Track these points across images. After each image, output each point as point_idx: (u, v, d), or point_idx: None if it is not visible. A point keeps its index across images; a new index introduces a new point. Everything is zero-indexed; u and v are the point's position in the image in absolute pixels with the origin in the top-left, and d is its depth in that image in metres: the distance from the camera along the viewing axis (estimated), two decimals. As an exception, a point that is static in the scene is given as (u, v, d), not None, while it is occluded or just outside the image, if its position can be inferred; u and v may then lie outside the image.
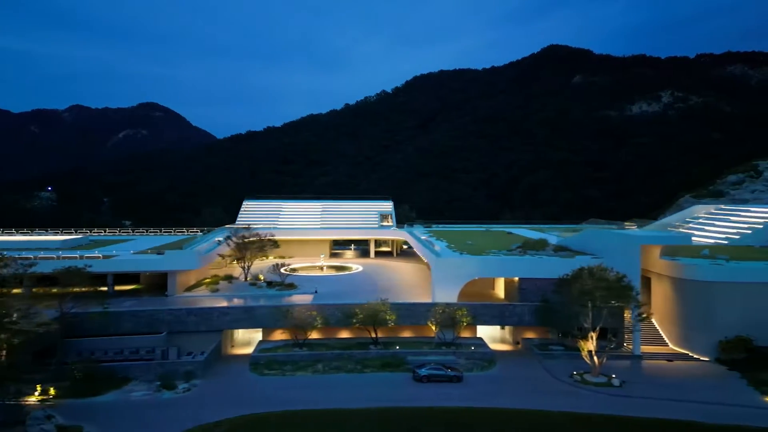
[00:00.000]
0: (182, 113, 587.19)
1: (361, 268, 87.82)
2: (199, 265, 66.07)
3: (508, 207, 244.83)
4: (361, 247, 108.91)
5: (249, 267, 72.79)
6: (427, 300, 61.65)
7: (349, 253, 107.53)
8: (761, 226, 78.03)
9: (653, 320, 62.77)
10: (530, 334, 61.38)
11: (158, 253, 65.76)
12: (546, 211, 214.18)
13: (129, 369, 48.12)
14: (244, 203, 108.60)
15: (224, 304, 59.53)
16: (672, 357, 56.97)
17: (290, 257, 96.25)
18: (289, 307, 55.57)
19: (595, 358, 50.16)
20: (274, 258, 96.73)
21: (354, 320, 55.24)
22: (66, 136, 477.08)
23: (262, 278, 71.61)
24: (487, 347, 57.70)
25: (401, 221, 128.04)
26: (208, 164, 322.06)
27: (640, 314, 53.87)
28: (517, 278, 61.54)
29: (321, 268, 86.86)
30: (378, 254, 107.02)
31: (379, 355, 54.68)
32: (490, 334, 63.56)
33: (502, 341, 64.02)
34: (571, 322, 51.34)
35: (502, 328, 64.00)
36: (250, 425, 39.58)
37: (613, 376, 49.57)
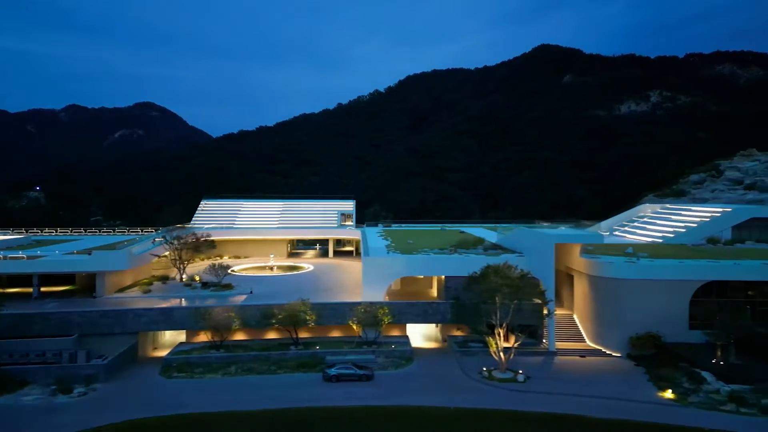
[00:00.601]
0: (180, 113, 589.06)
1: (312, 268, 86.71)
2: (129, 266, 64.83)
3: (495, 206, 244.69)
4: (325, 247, 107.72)
5: (184, 267, 71.61)
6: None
7: (311, 253, 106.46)
8: (696, 225, 77.65)
9: (575, 317, 62.80)
10: (460, 332, 60.85)
11: (87, 254, 64.56)
12: (532, 211, 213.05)
13: (28, 373, 47.01)
14: (201, 203, 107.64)
15: (147, 305, 58.31)
16: (585, 353, 57.04)
17: (246, 257, 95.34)
18: (207, 309, 54.38)
19: (502, 354, 50.21)
20: (229, 258, 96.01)
21: (273, 321, 54.15)
22: (62, 135, 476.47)
23: (198, 279, 70.48)
24: (408, 345, 57.13)
25: (373, 220, 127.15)
26: (199, 164, 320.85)
27: (542, 311, 54.60)
28: (443, 276, 60.96)
29: (271, 268, 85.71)
30: (340, 254, 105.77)
31: (297, 356, 53.76)
32: (426, 333, 63.48)
33: (435, 339, 63.40)
34: (480, 318, 50.86)
35: (437, 326, 63.29)
36: (127, 430, 38.39)
37: (520, 372, 49.69)
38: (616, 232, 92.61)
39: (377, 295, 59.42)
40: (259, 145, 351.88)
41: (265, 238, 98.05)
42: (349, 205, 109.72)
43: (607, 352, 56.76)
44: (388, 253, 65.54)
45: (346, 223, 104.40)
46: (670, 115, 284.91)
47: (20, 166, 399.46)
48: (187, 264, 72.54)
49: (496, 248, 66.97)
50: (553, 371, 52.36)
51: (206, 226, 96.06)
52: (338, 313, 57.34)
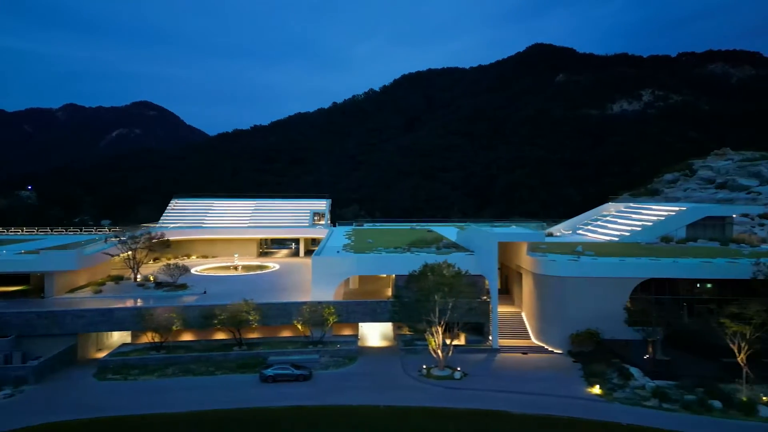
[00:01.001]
0: (178, 112, 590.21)
1: (278, 268, 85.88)
2: (78, 266, 63.80)
3: (487, 205, 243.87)
4: (298, 247, 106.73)
5: (138, 267, 70.82)
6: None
7: (283, 252, 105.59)
8: (651, 224, 77.70)
9: (523, 315, 62.73)
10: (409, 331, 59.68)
11: (36, 254, 63.75)
12: (522, 210, 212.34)
13: (-45, 374, 46.14)
14: (172, 202, 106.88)
15: (92, 306, 57.25)
16: (527, 350, 57.01)
17: (214, 257, 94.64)
18: (148, 310, 53.56)
19: (440, 352, 49.87)
20: (197, 257, 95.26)
21: (216, 322, 53.35)
22: (60, 135, 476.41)
23: (152, 279, 69.66)
24: (354, 345, 56.69)
25: (352, 219, 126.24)
26: (191, 163, 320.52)
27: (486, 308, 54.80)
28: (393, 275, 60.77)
29: (235, 267, 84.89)
30: (312, 253, 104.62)
31: (239, 357, 52.96)
32: (383, 332, 63.42)
33: (389, 338, 62.88)
34: (418, 317, 50.40)
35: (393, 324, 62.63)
36: (39, 434, 37.65)
37: (458, 369, 49.61)
38: (580, 231, 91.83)
39: (326, 294, 58.80)
40: (253, 144, 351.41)
41: (235, 237, 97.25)
42: (322, 204, 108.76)
43: (549, 349, 56.77)
44: (338, 252, 64.71)
45: (319, 222, 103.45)
46: (661, 114, 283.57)
47: (17, 165, 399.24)
48: (143, 264, 71.75)
49: (450, 247, 66.30)
50: (492, 368, 52.33)
51: (171, 225, 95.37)
52: (284, 312, 56.43)
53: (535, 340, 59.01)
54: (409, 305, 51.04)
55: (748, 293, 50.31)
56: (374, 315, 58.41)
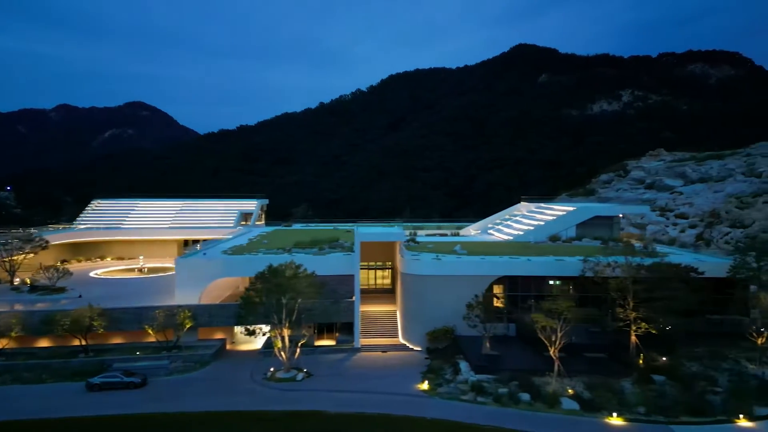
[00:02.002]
0: (172, 112, 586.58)
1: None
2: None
3: (465, 206, 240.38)
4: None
5: (13, 269, 67.75)
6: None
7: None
8: (543, 224, 77.28)
9: (397, 314, 62.24)
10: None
11: None
12: (499, 209, 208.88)
13: None
14: (93, 203, 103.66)
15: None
16: (388, 348, 56.75)
17: (130, 258, 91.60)
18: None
19: (283, 353, 48.79)
20: (112, 259, 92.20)
21: (59, 327, 50.21)
22: (53, 135, 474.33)
23: (28, 282, 66.55)
24: (211, 349, 54.03)
25: (300, 219, 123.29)
26: (174, 163, 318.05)
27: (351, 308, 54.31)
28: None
29: (140, 270, 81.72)
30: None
31: (83, 364, 49.94)
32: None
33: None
34: (255, 318, 49.66)
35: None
36: None
37: (303, 370, 49.11)
38: (490, 230, 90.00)
39: (192, 297, 55.97)
40: (238, 144, 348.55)
41: (156, 238, 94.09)
42: (251, 205, 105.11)
43: (410, 346, 56.61)
44: (204, 254, 61.68)
45: (245, 223, 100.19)
46: (640, 114, 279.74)
47: (10, 166, 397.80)
48: (17, 265, 68.62)
49: (335, 247, 63.59)
50: (343, 368, 51.67)
51: (82, 226, 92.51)
52: (138, 317, 53.17)
53: (401, 339, 58.66)
54: (248, 307, 48.23)
55: (585, 291, 52.64)
56: (238, 318, 55.26)
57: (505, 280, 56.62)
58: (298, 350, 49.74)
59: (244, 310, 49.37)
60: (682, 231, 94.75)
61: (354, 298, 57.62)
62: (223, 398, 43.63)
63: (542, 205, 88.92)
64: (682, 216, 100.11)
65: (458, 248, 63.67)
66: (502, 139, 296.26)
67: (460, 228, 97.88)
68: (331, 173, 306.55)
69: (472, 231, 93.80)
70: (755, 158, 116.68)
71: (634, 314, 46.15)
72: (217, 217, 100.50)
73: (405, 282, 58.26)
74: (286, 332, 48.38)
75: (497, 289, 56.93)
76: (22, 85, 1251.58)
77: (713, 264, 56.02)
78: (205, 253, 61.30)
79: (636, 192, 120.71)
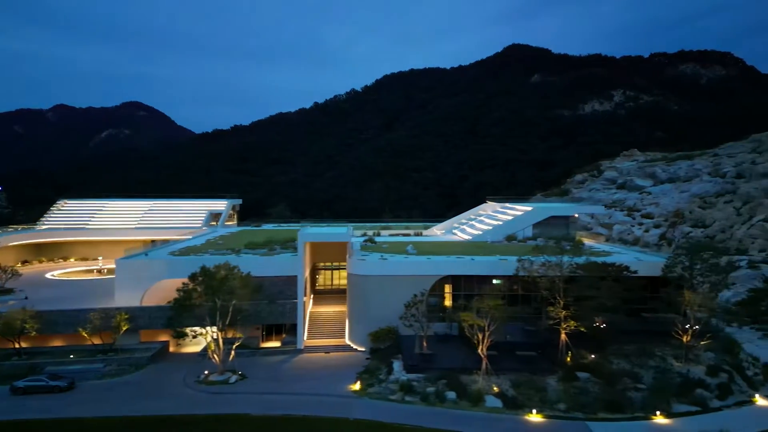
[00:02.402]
0: (169, 113, 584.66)
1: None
2: None
3: (455, 206, 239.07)
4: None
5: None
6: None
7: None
8: (501, 223, 76.91)
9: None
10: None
11: None
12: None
13: None
14: (59, 203, 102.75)
15: None
16: (331, 349, 56.11)
17: (95, 259, 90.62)
18: None
19: (216, 356, 47.74)
20: (75, 260, 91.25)
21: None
22: (49, 135, 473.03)
23: (-28, 283, 65.58)
24: (151, 351, 53.19)
25: (276, 219, 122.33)
26: (167, 163, 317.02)
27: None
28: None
29: (99, 271, 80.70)
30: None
31: (13, 367, 48.78)
32: None
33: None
34: (182, 321, 48.51)
35: None
36: None
37: (239, 372, 48.15)
38: (454, 230, 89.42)
39: (133, 299, 54.91)
40: (231, 144, 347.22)
41: (122, 239, 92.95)
42: (221, 205, 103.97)
43: (354, 347, 56.09)
44: (146, 255, 60.62)
45: (214, 223, 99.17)
46: (631, 114, 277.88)
47: (3, 166, 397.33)
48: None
49: (288, 248, 63.04)
50: (281, 370, 50.80)
51: (44, 227, 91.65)
52: (74, 320, 51.97)
53: (347, 339, 58.07)
54: (180, 309, 47.21)
55: (525, 290, 52.54)
56: (169, 320, 54.36)
57: (448, 280, 56.43)
58: (233, 352, 48.57)
59: (176, 311, 48.21)
60: (647, 231, 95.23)
61: (297, 299, 56.61)
62: (148, 402, 42.51)
63: (507, 205, 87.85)
64: (648, 216, 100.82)
65: (410, 248, 63.16)
66: (494, 139, 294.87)
67: (427, 228, 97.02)
68: (324, 173, 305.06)
69: (437, 231, 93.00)
70: (722, 158, 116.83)
71: (564, 313, 46.29)
72: (185, 217, 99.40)
73: (351, 282, 57.64)
74: (219, 334, 47.37)
75: (447, 289, 56.85)
76: (19, 84, 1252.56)
77: (650, 263, 55.67)
78: (146, 255, 60.21)
79: (608, 192, 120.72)
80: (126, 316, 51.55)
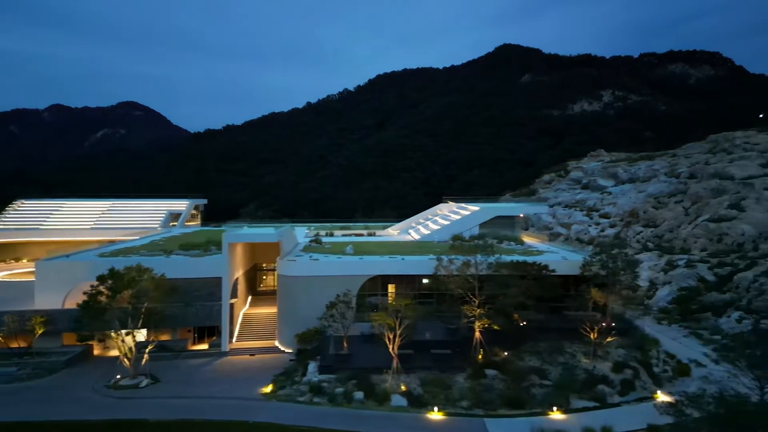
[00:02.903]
0: (166, 113, 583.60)
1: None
2: None
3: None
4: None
5: None
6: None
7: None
8: (448, 223, 75.43)
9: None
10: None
11: None
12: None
13: None
14: (16, 203, 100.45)
15: None
16: (256, 351, 54.65)
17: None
18: None
19: (125, 360, 46.05)
20: (27, 261, 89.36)
21: None
22: (45, 135, 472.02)
23: None
24: (69, 355, 51.01)
25: (246, 219, 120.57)
26: (158, 163, 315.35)
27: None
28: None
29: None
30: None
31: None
32: None
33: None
34: (86, 323, 46.93)
35: None
36: None
37: (151, 376, 46.72)
38: (410, 230, 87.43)
39: (54, 302, 52.53)
40: (222, 143, 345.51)
41: (77, 239, 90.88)
42: (182, 205, 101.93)
43: (282, 348, 54.79)
44: (68, 257, 58.61)
45: (174, 224, 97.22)
46: (619, 114, 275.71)
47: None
48: None
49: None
50: (198, 373, 48.93)
51: (8, 227, 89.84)
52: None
53: (276, 341, 56.53)
54: (87, 311, 45.26)
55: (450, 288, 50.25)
56: (77, 323, 52.13)
57: (379, 280, 55.40)
58: (146, 356, 46.72)
59: (84, 313, 46.17)
60: (602, 230, 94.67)
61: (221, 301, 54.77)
62: (48, 407, 40.62)
63: (462, 205, 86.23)
64: (606, 216, 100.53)
65: (349, 248, 62.30)
66: (483, 139, 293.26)
67: (385, 228, 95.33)
68: (314, 173, 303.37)
69: (393, 231, 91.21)
70: (679, 159, 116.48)
71: (478, 311, 46.23)
72: (143, 217, 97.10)
73: (280, 283, 56.21)
74: (130, 338, 45.48)
75: (380, 289, 56.00)
76: (15, 85, 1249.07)
77: (573, 262, 54.93)
78: (68, 257, 58.20)
79: (572, 192, 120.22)
80: (42, 319, 49.58)
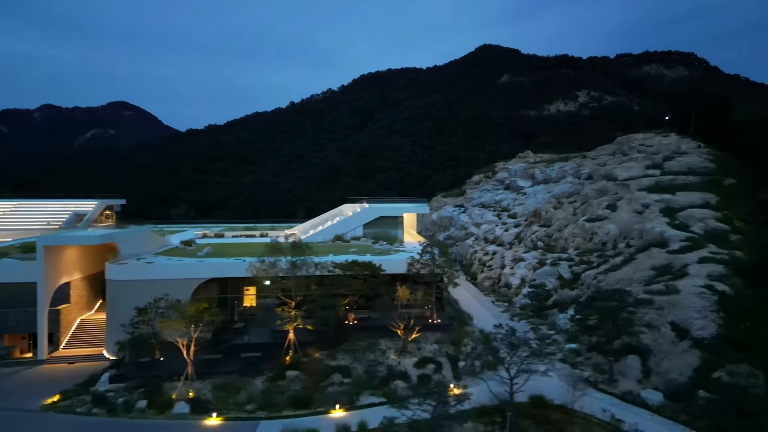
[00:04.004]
0: (158, 113, 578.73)
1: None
2: None
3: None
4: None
5: None
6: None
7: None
8: (330, 224, 76.76)
9: None
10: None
11: None
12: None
13: None
14: None
15: None
16: (77, 359, 52.21)
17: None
18: None
19: None
20: None
21: None
22: (35, 135, 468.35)
23: None
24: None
25: (176, 219, 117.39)
26: (138, 164, 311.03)
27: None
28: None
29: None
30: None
31: None
32: None
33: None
34: None
35: None
36: None
37: None
38: (311, 230, 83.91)
39: None
40: (203, 143, 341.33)
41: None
42: (89, 206, 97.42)
43: (107, 356, 52.40)
44: None
45: (77, 225, 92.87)
46: (594, 114, 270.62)
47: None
48: None
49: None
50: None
51: None
52: None
53: (104, 349, 54.09)
54: None
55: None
56: None
57: (215, 283, 53.68)
58: None
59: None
60: (506, 230, 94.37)
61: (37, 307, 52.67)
62: None
63: (365, 205, 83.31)
64: (513, 216, 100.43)
65: (208, 250, 60.84)
66: (460, 139, 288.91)
67: (290, 228, 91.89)
68: (290, 173, 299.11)
69: (292, 231, 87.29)
70: (586, 160, 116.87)
71: (293, 312, 45.99)
72: (46, 218, 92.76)
73: (108, 288, 53.04)
74: None
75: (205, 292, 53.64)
76: (5, 85, 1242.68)
77: (401, 261, 55.26)
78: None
79: (495, 192, 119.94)
80: None
